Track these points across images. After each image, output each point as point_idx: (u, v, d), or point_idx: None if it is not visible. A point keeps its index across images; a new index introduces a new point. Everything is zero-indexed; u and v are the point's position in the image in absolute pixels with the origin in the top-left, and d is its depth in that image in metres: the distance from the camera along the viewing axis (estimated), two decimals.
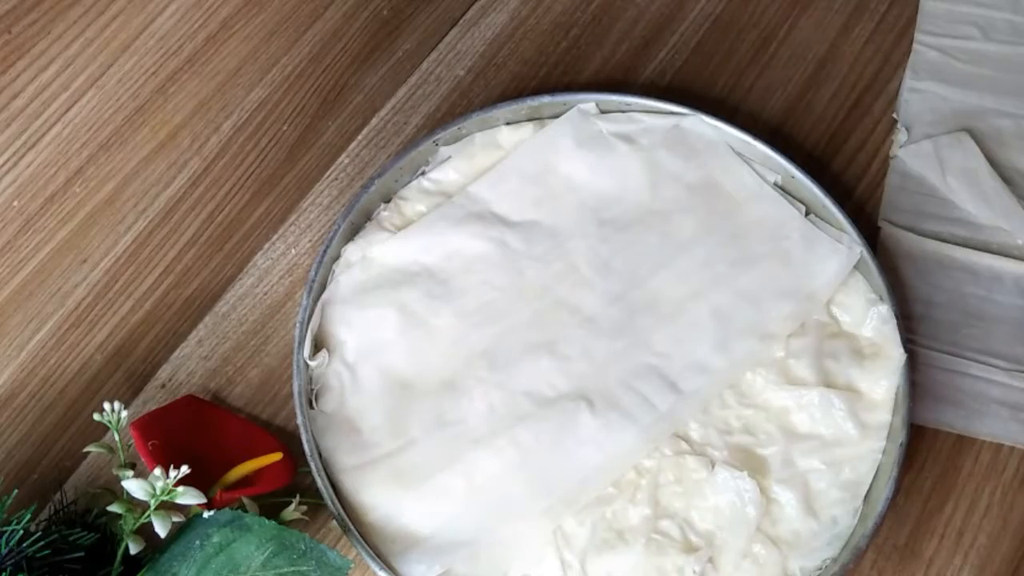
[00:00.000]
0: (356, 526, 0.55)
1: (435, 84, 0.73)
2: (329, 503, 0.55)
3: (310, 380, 0.60)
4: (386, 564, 0.54)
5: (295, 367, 0.58)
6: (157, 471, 0.48)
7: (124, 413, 0.51)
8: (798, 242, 0.62)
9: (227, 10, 0.53)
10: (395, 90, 0.72)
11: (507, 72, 0.73)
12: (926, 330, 0.63)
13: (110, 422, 0.51)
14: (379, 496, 0.56)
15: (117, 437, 0.51)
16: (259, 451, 0.56)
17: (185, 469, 0.47)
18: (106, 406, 0.51)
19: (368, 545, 0.54)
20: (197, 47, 0.52)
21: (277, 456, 0.56)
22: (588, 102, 0.66)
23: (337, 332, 0.61)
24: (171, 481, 0.47)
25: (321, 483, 0.56)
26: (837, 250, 0.61)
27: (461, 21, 0.75)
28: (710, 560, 0.54)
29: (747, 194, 0.64)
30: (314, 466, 0.56)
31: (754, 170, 0.64)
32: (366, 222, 0.64)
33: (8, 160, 0.46)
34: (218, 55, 0.54)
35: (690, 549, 0.54)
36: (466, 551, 0.55)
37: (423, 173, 0.66)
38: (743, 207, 0.63)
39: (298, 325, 0.60)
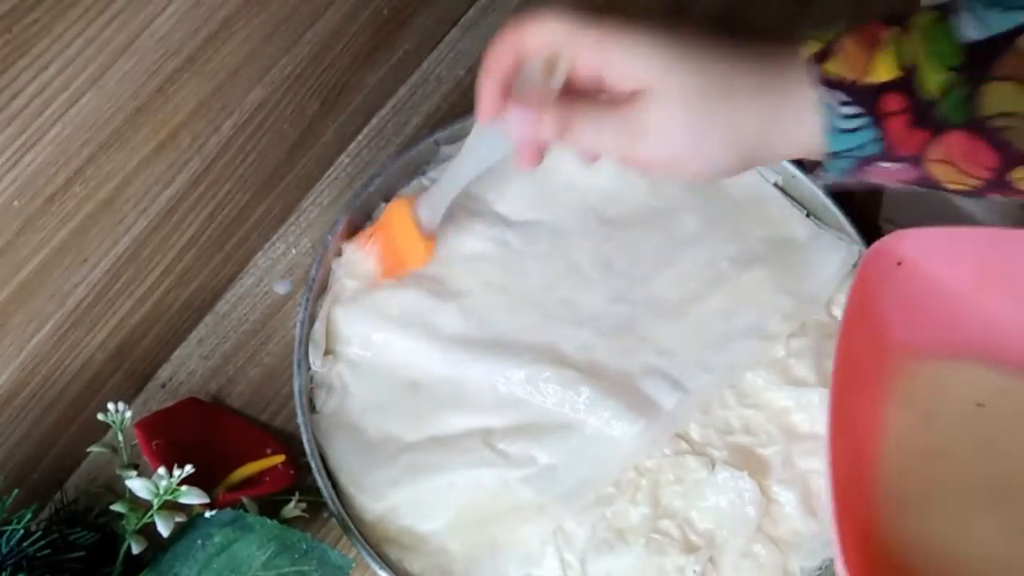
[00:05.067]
0: (356, 525, 0.55)
1: (435, 84, 0.73)
2: (329, 502, 0.55)
3: (311, 380, 0.60)
4: (386, 564, 0.54)
5: (295, 367, 0.58)
6: (161, 470, 0.48)
7: (128, 413, 0.51)
8: (798, 242, 0.62)
9: (227, 10, 0.53)
10: (395, 90, 0.72)
11: None
12: None
13: (114, 422, 0.51)
14: (380, 495, 0.56)
15: (121, 437, 0.51)
16: (261, 453, 0.56)
17: (189, 468, 0.47)
18: (111, 406, 0.51)
19: (368, 545, 0.54)
20: (197, 47, 0.52)
21: (280, 458, 0.56)
22: None
23: (338, 332, 0.61)
24: (175, 480, 0.47)
25: (322, 482, 0.56)
26: (837, 250, 0.61)
27: (461, 21, 0.75)
28: (710, 560, 0.54)
29: (748, 194, 0.64)
30: (315, 465, 0.56)
31: (755, 170, 0.64)
32: (366, 222, 0.64)
33: (8, 160, 0.45)
34: (218, 55, 0.54)
35: (690, 549, 0.54)
36: (467, 551, 0.55)
37: (423, 173, 0.66)
38: (744, 207, 0.63)
39: (298, 325, 0.60)
